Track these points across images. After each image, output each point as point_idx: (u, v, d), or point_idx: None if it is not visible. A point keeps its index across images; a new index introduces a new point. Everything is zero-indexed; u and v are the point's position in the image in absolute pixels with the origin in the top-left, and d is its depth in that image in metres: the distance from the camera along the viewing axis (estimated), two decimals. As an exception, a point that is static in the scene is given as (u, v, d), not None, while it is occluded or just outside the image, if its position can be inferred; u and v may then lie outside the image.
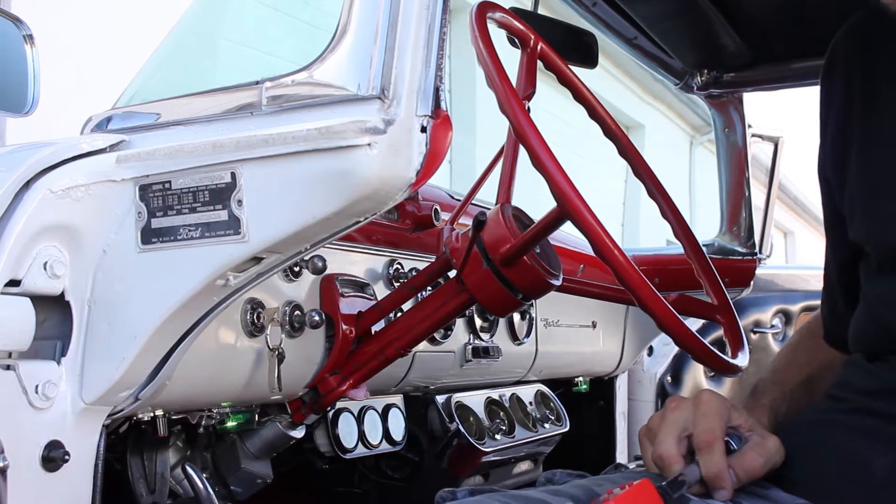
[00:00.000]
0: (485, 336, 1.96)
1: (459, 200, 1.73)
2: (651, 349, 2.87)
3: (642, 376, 2.87)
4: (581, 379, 2.53)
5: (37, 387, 1.10)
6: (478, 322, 1.94)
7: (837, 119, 1.15)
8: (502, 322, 2.03)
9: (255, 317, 1.37)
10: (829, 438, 1.06)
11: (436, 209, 1.74)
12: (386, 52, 1.02)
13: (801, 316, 2.99)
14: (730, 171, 2.65)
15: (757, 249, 2.74)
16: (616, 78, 9.86)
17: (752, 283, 2.57)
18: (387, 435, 1.79)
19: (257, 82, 1.10)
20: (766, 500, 1.04)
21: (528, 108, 1.34)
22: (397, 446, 1.82)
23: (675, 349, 2.89)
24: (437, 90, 1.02)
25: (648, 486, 0.96)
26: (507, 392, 2.16)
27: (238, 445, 1.53)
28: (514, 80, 1.24)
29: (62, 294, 1.14)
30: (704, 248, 1.54)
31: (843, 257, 1.18)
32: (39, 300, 1.12)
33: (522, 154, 1.21)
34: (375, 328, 1.52)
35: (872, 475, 0.99)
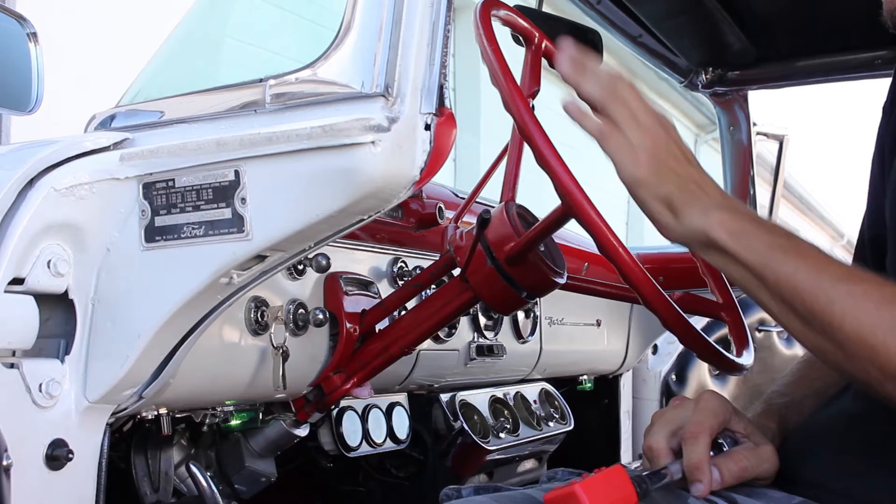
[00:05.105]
0: (489, 334, 1.96)
1: (463, 198, 1.73)
2: (655, 347, 2.87)
3: (647, 375, 2.87)
4: (585, 377, 2.53)
5: (40, 385, 1.10)
6: (482, 320, 1.93)
7: None
8: (506, 320, 2.02)
9: (258, 315, 1.37)
10: (848, 430, 1.05)
11: (440, 207, 1.74)
12: (390, 50, 1.01)
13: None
14: (734, 169, 2.64)
15: (762, 248, 2.73)
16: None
17: (756, 281, 2.55)
18: (391, 433, 1.78)
19: (261, 80, 1.10)
20: (761, 498, 1.03)
21: (533, 105, 1.34)
22: (401, 445, 1.81)
23: (680, 347, 2.89)
24: (441, 88, 1.02)
25: (621, 471, 0.96)
26: (512, 390, 2.15)
27: (242, 444, 1.53)
28: (518, 78, 1.24)
29: (66, 292, 1.14)
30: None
31: (877, 234, 1.17)
32: (43, 298, 1.12)
33: (527, 152, 1.20)
34: (379, 326, 1.52)
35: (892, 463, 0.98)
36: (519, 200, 1.42)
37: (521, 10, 1.46)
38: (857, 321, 0.89)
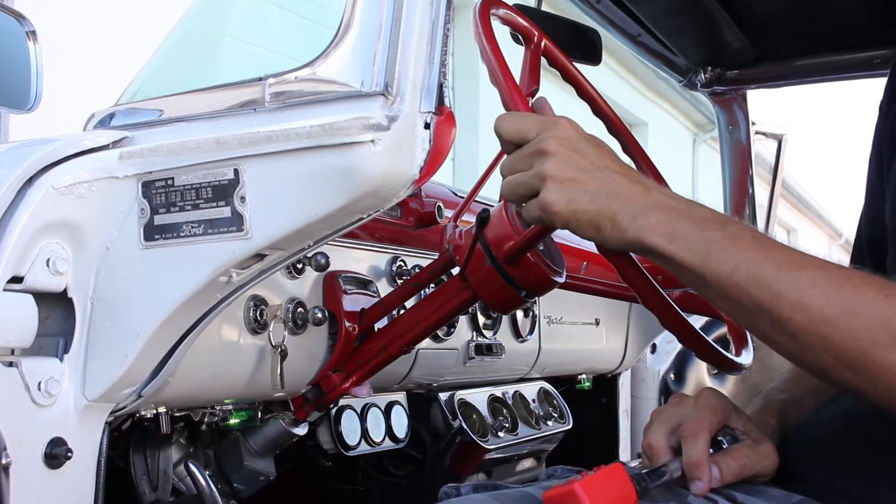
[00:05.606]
0: (488, 333, 1.96)
1: (463, 197, 1.73)
2: (654, 346, 2.86)
3: (645, 374, 2.86)
4: (584, 376, 2.52)
5: (39, 384, 1.10)
6: (481, 319, 1.93)
7: None
8: (505, 319, 2.02)
9: (257, 314, 1.37)
10: (852, 429, 1.05)
11: (439, 206, 1.74)
12: (389, 49, 1.01)
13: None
14: (733, 168, 2.65)
15: (761, 247, 2.73)
16: (620, 75, 9.85)
17: (755, 280, 2.56)
18: (390, 432, 1.78)
19: (260, 79, 1.10)
20: (761, 496, 1.03)
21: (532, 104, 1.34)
22: (400, 444, 1.81)
23: (679, 346, 2.89)
24: (440, 87, 1.02)
25: (620, 470, 0.96)
26: (511, 389, 2.15)
27: (241, 443, 1.53)
28: (517, 77, 1.24)
29: (65, 291, 1.14)
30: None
31: (875, 235, 1.17)
32: (42, 297, 1.12)
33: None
34: (378, 325, 1.52)
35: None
36: (518, 199, 1.41)
37: (521, 9, 1.46)
38: (807, 311, 0.87)
